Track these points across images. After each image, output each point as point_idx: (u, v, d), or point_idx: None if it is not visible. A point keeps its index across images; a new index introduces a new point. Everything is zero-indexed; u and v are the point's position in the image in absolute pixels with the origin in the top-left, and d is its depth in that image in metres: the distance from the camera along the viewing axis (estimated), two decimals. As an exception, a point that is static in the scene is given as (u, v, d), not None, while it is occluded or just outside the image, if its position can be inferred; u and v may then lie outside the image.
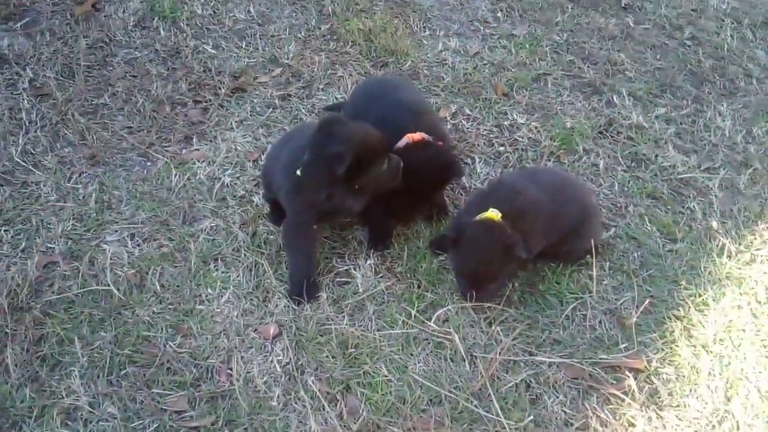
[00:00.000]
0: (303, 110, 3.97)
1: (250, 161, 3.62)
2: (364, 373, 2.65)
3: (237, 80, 4.15)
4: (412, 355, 2.73)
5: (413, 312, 2.85)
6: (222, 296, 2.93)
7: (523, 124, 3.91)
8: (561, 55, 4.48)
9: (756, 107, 4.15)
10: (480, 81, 4.20)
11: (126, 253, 3.10)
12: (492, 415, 2.54)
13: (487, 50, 4.46)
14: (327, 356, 2.71)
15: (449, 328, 2.81)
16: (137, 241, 3.17)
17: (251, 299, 2.92)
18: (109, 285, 2.94)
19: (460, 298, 2.90)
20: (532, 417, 2.54)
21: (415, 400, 2.58)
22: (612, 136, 3.88)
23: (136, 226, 3.24)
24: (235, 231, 3.20)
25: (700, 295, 3.00)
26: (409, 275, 3.03)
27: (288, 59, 4.30)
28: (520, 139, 3.81)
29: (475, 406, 2.57)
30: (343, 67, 4.28)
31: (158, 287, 2.94)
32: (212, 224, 3.24)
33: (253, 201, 3.38)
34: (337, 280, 3.02)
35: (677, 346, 2.81)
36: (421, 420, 2.51)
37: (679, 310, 2.94)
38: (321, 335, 2.78)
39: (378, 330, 2.81)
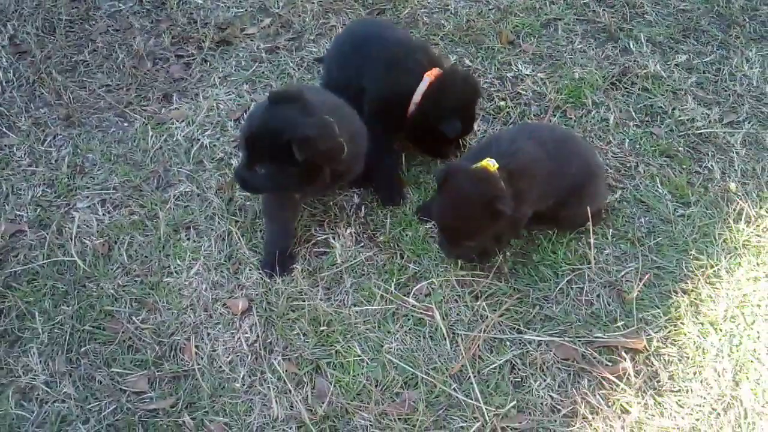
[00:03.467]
0: (291, 64, 3.70)
1: (231, 120, 3.40)
2: (335, 352, 2.48)
3: (223, 32, 3.89)
4: (389, 333, 2.53)
5: (392, 286, 2.63)
6: (191, 268, 2.76)
7: (527, 75, 3.59)
8: (575, -4, 4.09)
9: (790, 53, 3.74)
10: (483, 28, 3.86)
11: (95, 220, 2.94)
12: (471, 399, 2.34)
13: (494, -8, 4.10)
14: (297, 334, 2.54)
15: (430, 303, 2.59)
16: (108, 207, 3.00)
17: (222, 271, 2.74)
18: (74, 255, 2.77)
19: (444, 270, 2.67)
20: (515, 402, 2.34)
21: (388, 382, 2.39)
22: (625, 88, 3.54)
23: (108, 192, 3.07)
24: (210, 197, 3.01)
25: (711, 266, 2.72)
26: (392, 245, 2.81)
27: (278, 8, 4.02)
28: (524, 93, 3.50)
29: (454, 389, 2.37)
30: (337, 16, 3.98)
31: (125, 258, 2.78)
32: (186, 189, 3.05)
33: (232, 164, 3.17)
34: (315, 250, 2.82)
35: (682, 323, 2.55)
36: (393, 404, 2.34)
37: (686, 283, 2.67)
38: (292, 311, 2.60)
39: (354, 305, 2.62)
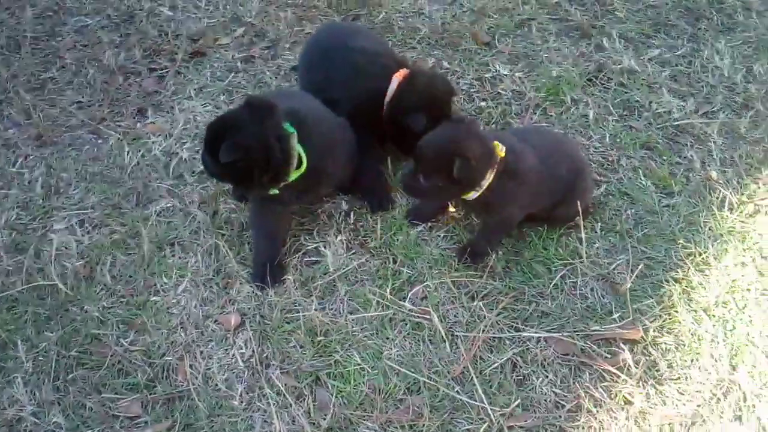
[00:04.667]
0: (268, 73, 3.66)
1: None
2: (334, 362, 2.43)
3: (195, 43, 3.83)
4: (387, 339, 2.50)
5: (387, 292, 2.60)
6: (179, 285, 2.69)
7: (506, 75, 3.60)
8: (546, -4, 4.12)
9: (757, 43, 3.83)
10: (459, 30, 3.88)
11: (74, 242, 2.85)
12: (475, 401, 2.32)
13: (467, -5, 4.12)
14: (294, 346, 2.48)
15: (427, 306, 2.56)
16: (86, 228, 2.91)
17: (211, 287, 2.68)
18: (54, 279, 2.67)
19: (438, 272, 2.66)
20: (519, 401, 2.32)
21: (390, 389, 2.35)
22: (602, 83, 3.57)
23: (86, 212, 2.98)
24: (193, 211, 2.94)
25: (700, 254, 2.75)
26: (384, 250, 2.78)
27: (251, 17, 3.98)
28: (503, 92, 3.51)
29: (457, 392, 2.35)
30: (312, 23, 3.95)
31: (109, 279, 2.70)
32: (168, 205, 2.98)
33: (214, 177, 3.10)
34: (306, 259, 2.77)
35: (676, 311, 2.57)
36: (397, 412, 2.30)
37: (677, 272, 2.69)
38: (287, 323, 2.54)
39: (350, 313, 2.57)
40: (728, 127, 3.34)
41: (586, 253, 2.72)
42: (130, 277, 2.73)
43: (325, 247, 2.80)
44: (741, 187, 3.03)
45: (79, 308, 2.62)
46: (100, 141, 3.32)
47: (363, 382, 2.38)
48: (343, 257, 2.76)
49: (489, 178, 2.44)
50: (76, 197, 3.05)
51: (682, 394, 2.36)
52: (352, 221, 2.90)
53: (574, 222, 2.81)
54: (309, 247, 2.82)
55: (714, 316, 2.56)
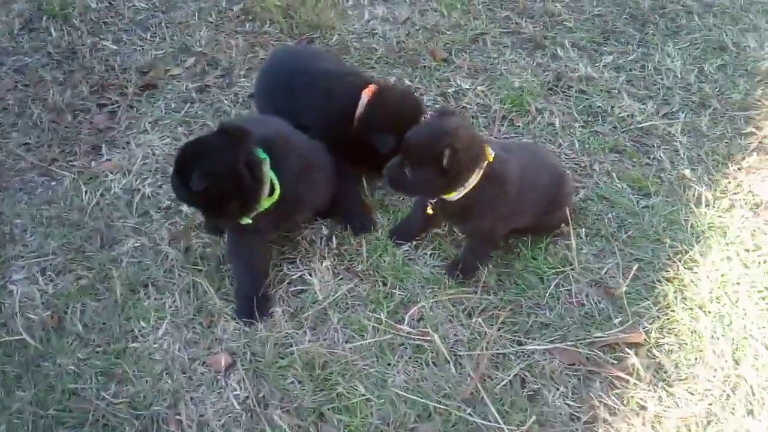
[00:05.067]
0: (225, 101, 3.53)
1: (171, 165, 3.16)
2: (337, 395, 2.30)
3: (145, 76, 3.67)
4: (389, 365, 2.39)
5: (383, 315, 2.49)
6: (158, 328, 2.51)
7: (468, 89, 3.59)
8: (495, 11, 4.16)
9: (703, 44, 3.94)
10: (416, 48, 3.85)
11: (38, 291, 2.64)
12: (490, 422, 2.23)
13: (418, 14, 4.11)
14: (292, 382, 2.34)
15: (426, 327, 2.47)
16: (49, 275, 2.71)
17: (194, 327, 2.51)
18: (21, 333, 2.45)
19: (431, 291, 2.58)
20: (534, 417, 2.24)
21: (400, 418, 2.24)
22: (563, 92, 3.60)
23: (47, 258, 2.77)
24: (165, 249, 2.77)
25: (686, 252, 2.76)
26: (372, 272, 2.68)
27: (201, 47, 3.84)
28: (469, 106, 3.49)
29: (469, 414, 2.25)
30: (264, 49, 3.85)
31: (80, 328, 2.50)
32: (136, 244, 2.80)
33: (182, 211, 2.95)
34: (292, 289, 2.64)
35: (673, 311, 2.56)
36: (410, 441, 2.17)
37: (668, 271, 2.69)
38: (281, 358, 2.40)
39: (346, 342, 2.45)
40: (690, 126, 3.41)
41: (576, 259, 2.69)
42: (104, 324, 2.54)
43: (310, 275, 2.68)
44: (713, 183, 3.07)
45: (51, 363, 2.42)
46: (53, 183, 3.12)
47: (370, 414, 2.25)
48: (330, 284, 2.65)
49: (475, 179, 2.38)
50: (33, 244, 2.83)
51: (692, 394, 2.34)
52: (335, 245, 2.79)
53: (560, 230, 2.78)
54: (293, 276, 2.69)
55: (710, 312, 2.56)
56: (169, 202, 3.00)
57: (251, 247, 2.56)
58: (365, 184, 2.98)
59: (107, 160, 3.21)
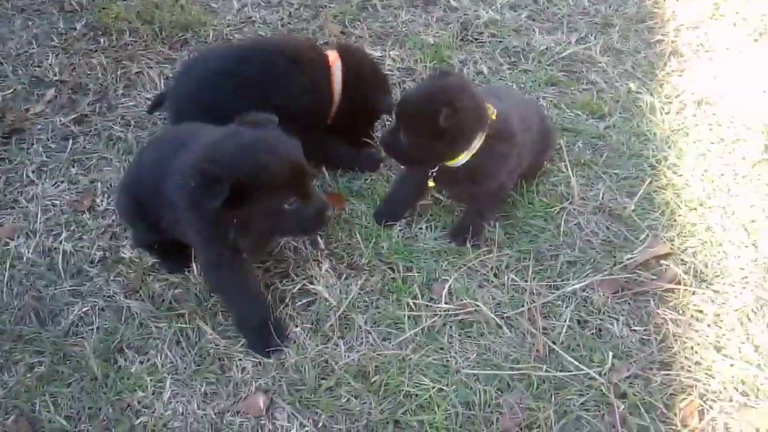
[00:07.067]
0: (115, 126, 3.05)
1: (83, 212, 2.68)
2: (406, 396, 2.01)
3: (2, 122, 3.07)
4: (442, 349, 2.14)
5: (410, 301, 2.24)
6: (162, 392, 2.08)
7: (382, 56, 3.38)
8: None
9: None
10: (305, 27, 3.58)
11: (-13, 398, 2.08)
12: (572, 371, 2.05)
13: (292, -10, 3.83)
14: (348, 400, 2.02)
15: (462, 299, 2.25)
16: (-7, 373, 2.15)
17: (205, 378, 2.11)
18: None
19: (448, 262, 2.36)
20: (611, 353, 2.09)
21: (480, 399, 2.00)
22: (475, 39, 3.51)
23: (-20, 356, 2.20)
24: (124, 303, 2.33)
25: (665, 159, 2.78)
26: (376, 262, 2.41)
27: (56, 75, 3.31)
28: (391, 72, 3.29)
29: (547, 370, 2.06)
30: (134, 61, 3.38)
31: (63, 421, 2.02)
32: (85, 309, 2.33)
33: (124, 257, 2.49)
34: (298, 304, 2.31)
35: (680, 215, 2.55)
36: (504, 419, 1.95)
37: (658, 180, 2.69)
38: (324, 378, 2.07)
39: (385, 340, 2.17)
40: (605, 46, 3.45)
41: (576, 191, 2.60)
42: (90, 408, 2.07)
43: (312, 283, 2.35)
44: (652, 92, 3.12)
45: (46, 474, 1.90)
46: (-51, 268, 2.51)
47: (450, 404, 2.00)
48: (337, 286, 2.35)
49: (479, 140, 2.20)
50: (-44, 348, 2.25)
51: (733, 286, 2.33)
52: (323, 246, 2.48)
53: (544, 168, 2.68)
54: (294, 290, 2.36)
55: (712, 207, 2.58)
56: (102, 252, 2.53)
57: (242, 270, 2.18)
58: (326, 174, 2.69)
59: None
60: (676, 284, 2.28)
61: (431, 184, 2.38)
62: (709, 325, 2.20)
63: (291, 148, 1.97)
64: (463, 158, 2.22)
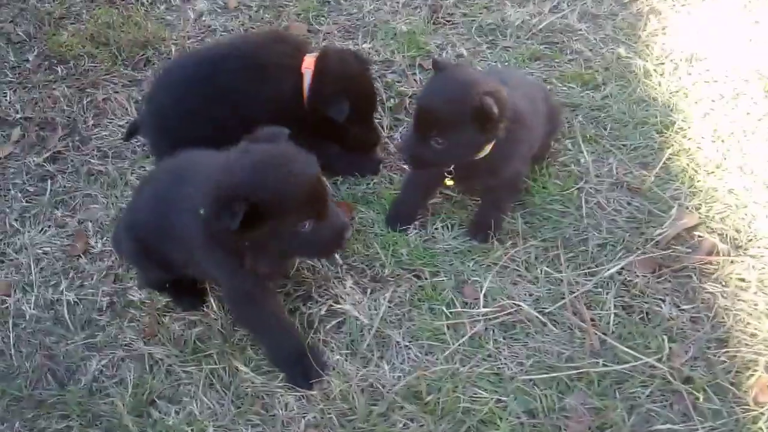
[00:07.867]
0: (93, 160, 2.86)
1: (78, 256, 2.50)
2: (464, 412, 1.92)
3: (-31, 168, 2.85)
4: (490, 357, 2.05)
5: (444, 309, 2.14)
6: (205, 442, 1.93)
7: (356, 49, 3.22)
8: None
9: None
10: (271, 28, 3.39)
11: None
12: (631, 361, 1.99)
13: (247, -7, 3.63)
14: (405, 425, 1.92)
15: (500, 300, 2.15)
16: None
17: (247, 419, 1.98)
18: None
19: (474, 262, 2.26)
20: (665, 336, 2.03)
21: (542, 405, 1.92)
22: (448, 21, 3.38)
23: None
24: (145, 350, 2.16)
25: (672, 123, 2.71)
26: (400, 271, 2.29)
27: (19, 113, 3.08)
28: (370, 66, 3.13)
29: (605, 364, 1.99)
30: (98, 87, 3.17)
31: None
32: (103, 362, 2.16)
33: (133, 300, 2.33)
34: (328, 326, 2.18)
35: (699, 181, 2.49)
36: (569, 422, 1.87)
37: (670, 147, 2.62)
38: (374, 404, 1.96)
39: (428, 354, 2.06)
40: (582, 14, 3.35)
41: (591, 169, 2.52)
42: (134, 470, 1.91)
43: (338, 303, 2.23)
44: (641, 57, 3.04)
45: None
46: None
47: (512, 414, 1.92)
48: (365, 302, 2.23)
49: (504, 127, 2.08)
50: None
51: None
52: (341, 262, 2.35)
53: (554, 149, 2.59)
54: (322, 312, 2.22)
55: (727, 169, 2.53)
56: (108, 297, 2.36)
57: (271, 302, 2.06)
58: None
59: (-8, 283, 2.45)
60: (712, 256, 2.22)
61: (449, 183, 2.26)
62: (755, 293, 2.15)
63: (306, 164, 1.82)
64: (487, 149, 2.11)
